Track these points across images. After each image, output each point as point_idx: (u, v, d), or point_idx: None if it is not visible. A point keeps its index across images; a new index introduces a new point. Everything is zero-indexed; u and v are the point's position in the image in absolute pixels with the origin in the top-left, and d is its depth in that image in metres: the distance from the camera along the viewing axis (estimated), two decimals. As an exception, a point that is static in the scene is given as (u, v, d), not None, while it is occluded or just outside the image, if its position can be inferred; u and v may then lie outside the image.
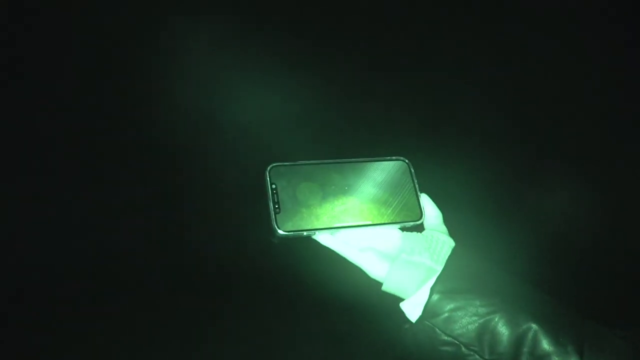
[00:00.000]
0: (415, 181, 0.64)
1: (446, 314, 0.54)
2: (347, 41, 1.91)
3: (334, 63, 1.85)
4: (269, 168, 0.60)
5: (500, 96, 1.90)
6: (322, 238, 0.59)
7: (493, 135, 1.82)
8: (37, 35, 1.73)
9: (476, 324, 0.54)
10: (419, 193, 0.64)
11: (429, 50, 1.94)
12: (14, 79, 1.68)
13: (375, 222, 0.60)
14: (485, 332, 0.54)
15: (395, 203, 0.62)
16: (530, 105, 1.92)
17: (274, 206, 0.58)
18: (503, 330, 0.53)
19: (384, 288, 0.59)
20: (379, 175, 0.63)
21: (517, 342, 0.53)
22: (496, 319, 0.53)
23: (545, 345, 0.52)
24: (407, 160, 0.65)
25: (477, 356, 0.54)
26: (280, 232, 0.57)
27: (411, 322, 0.57)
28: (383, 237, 0.61)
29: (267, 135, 1.64)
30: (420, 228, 0.63)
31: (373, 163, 0.64)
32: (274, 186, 0.59)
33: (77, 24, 1.77)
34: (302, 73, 1.79)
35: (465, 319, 0.54)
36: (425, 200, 0.64)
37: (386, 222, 0.61)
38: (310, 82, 1.78)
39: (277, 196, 0.58)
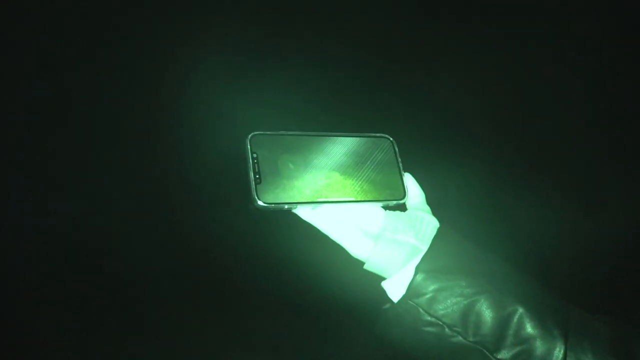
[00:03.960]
0: (399, 160, 0.62)
1: (430, 294, 0.53)
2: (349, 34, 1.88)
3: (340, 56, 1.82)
4: (249, 136, 0.57)
5: (498, 96, 1.89)
6: (302, 212, 0.56)
7: (489, 137, 1.82)
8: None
9: (461, 305, 0.52)
10: (402, 172, 0.62)
11: (428, 51, 1.92)
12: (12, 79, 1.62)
13: (358, 199, 0.58)
14: (470, 314, 0.52)
15: (379, 181, 0.60)
16: (529, 108, 1.91)
17: (254, 176, 0.54)
18: (488, 312, 0.52)
19: (366, 267, 0.57)
20: (363, 151, 0.61)
21: (502, 324, 0.52)
22: (482, 301, 0.52)
23: (530, 328, 0.51)
24: (391, 138, 0.63)
25: (460, 338, 0.52)
26: (260, 203, 0.53)
27: (392, 302, 0.55)
28: (366, 214, 0.58)
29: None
30: (402, 208, 0.61)
31: (357, 138, 0.62)
32: (254, 155, 0.56)
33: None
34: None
35: (450, 299, 0.52)
36: (409, 180, 0.62)
37: (369, 199, 0.59)
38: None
39: (258, 166, 0.55)
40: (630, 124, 1.86)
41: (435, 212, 0.62)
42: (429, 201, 0.63)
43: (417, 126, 1.72)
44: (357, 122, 1.66)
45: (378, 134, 0.63)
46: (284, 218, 0.58)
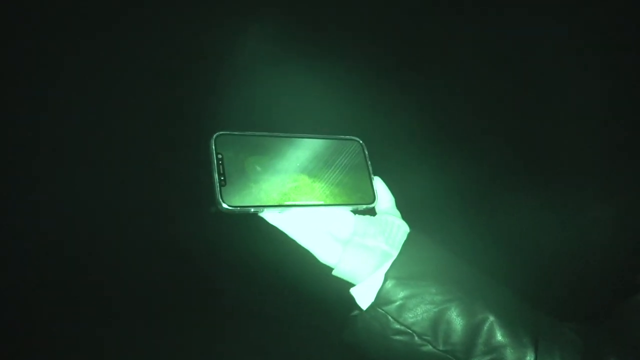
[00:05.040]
0: (369, 163, 0.60)
1: (400, 302, 0.51)
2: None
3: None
4: (214, 136, 0.55)
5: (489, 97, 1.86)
6: (269, 216, 0.54)
7: (488, 139, 1.79)
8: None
9: (431, 313, 0.50)
10: (372, 175, 0.60)
11: (424, 50, 1.89)
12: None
13: (326, 203, 0.56)
14: (440, 322, 0.50)
15: (348, 184, 0.58)
16: (526, 108, 1.87)
17: (219, 178, 0.52)
18: (458, 320, 0.50)
19: (335, 272, 0.55)
20: (333, 154, 0.59)
21: (473, 332, 0.50)
22: (452, 308, 0.50)
23: (501, 336, 0.50)
24: (361, 141, 0.61)
25: (430, 347, 0.51)
26: (225, 206, 0.51)
27: (361, 309, 0.53)
28: (335, 219, 0.56)
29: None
30: (372, 212, 0.59)
31: (327, 140, 0.60)
32: (219, 156, 0.54)
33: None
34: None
35: (421, 307, 0.51)
36: (378, 184, 0.60)
37: (338, 203, 0.56)
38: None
39: (223, 167, 0.53)
40: (631, 124, 1.82)
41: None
42: (399, 206, 0.61)
43: (410, 128, 1.69)
44: (344, 123, 1.64)
45: (347, 137, 0.61)
46: (256, 222, 0.56)
